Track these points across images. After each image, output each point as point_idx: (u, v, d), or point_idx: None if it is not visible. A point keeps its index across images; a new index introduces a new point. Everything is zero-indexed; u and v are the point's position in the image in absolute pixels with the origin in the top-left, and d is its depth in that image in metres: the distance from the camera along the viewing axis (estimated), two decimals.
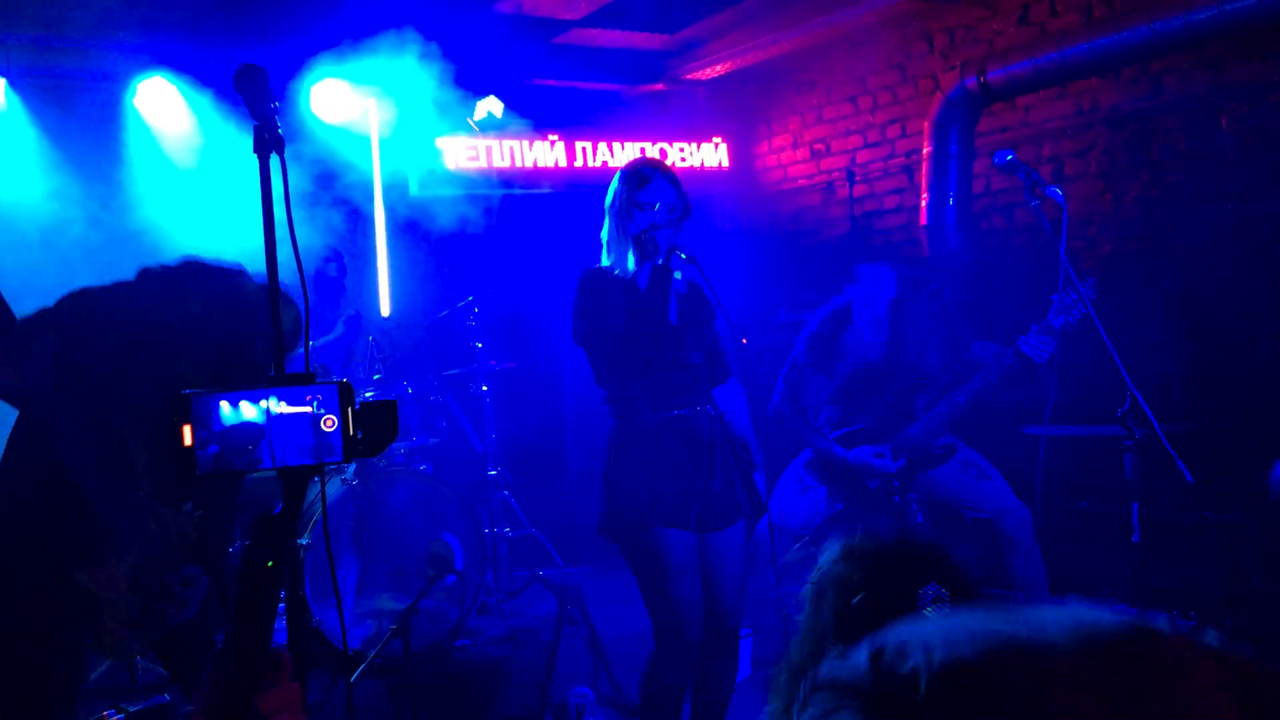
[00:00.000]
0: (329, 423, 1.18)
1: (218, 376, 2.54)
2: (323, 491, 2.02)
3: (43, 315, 2.62)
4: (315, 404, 1.17)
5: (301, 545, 4.20)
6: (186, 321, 2.59)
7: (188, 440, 1.13)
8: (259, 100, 1.76)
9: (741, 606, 3.46)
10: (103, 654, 2.63)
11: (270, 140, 1.74)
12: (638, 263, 3.32)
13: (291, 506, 1.18)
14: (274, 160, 1.82)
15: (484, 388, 5.32)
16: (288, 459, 1.17)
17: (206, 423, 1.13)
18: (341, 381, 1.19)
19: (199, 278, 2.69)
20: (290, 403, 1.17)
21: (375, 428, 1.21)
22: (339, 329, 5.32)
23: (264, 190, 1.83)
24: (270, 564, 1.13)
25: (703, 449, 3.28)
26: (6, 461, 2.66)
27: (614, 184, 3.40)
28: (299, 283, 2.00)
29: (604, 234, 3.40)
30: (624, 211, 3.33)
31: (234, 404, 1.14)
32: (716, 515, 3.29)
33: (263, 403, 1.15)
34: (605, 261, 3.38)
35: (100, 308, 2.66)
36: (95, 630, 2.55)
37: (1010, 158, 3.44)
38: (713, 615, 3.35)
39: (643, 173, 3.35)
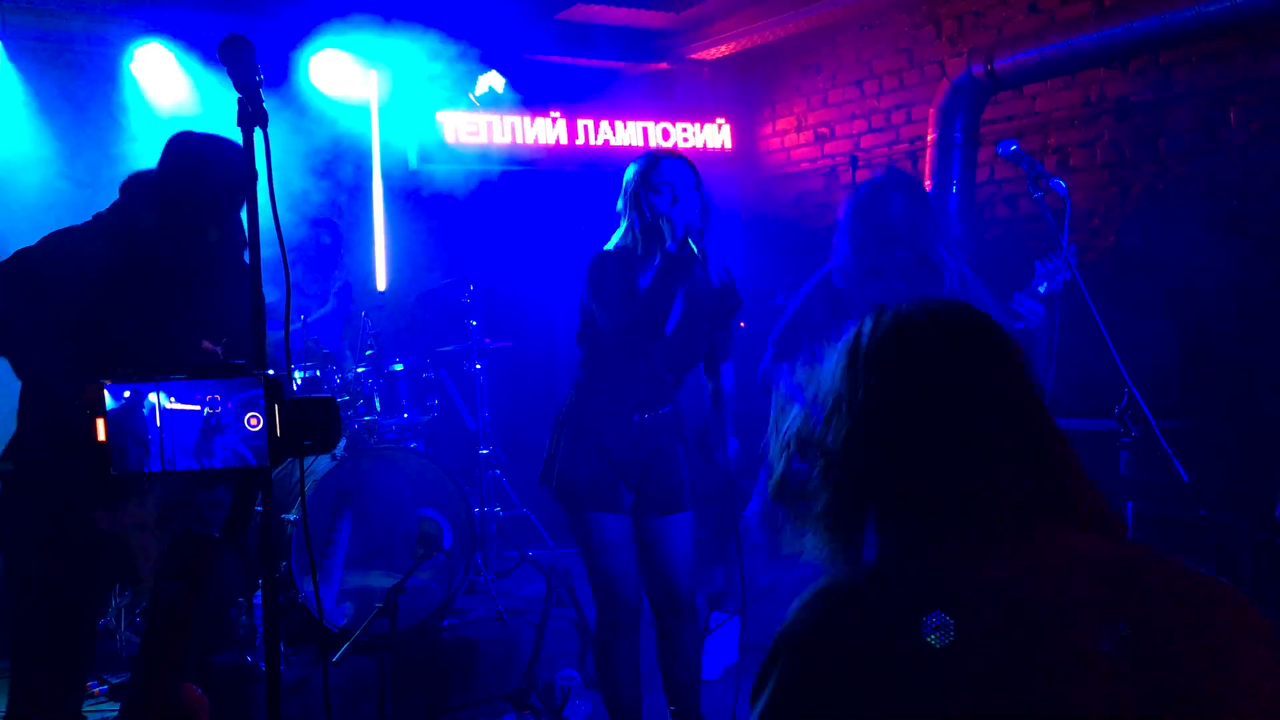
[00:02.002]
0: (253, 421, 1.07)
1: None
2: (300, 467, 1.99)
3: (17, 253, 2.70)
4: (213, 403, 1.05)
5: (288, 520, 4.17)
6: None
7: (101, 435, 1.04)
8: (244, 73, 1.73)
9: (694, 583, 3.57)
10: (141, 597, 2.67)
11: (254, 114, 1.71)
12: (646, 255, 3.28)
13: (197, 531, 1.07)
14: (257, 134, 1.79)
15: (478, 365, 5.28)
16: (178, 462, 1.05)
17: (124, 417, 1.03)
18: (267, 374, 1.07)
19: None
20: (185, 399, 1.05)
21: (308, 428, 1.08)
22: (330, 302, 5.28)
23: (248, 162, 1.80)
24: (183, 594, 1.04)
25: (646, 448, 3.37)
26: (21, 427, 2.69)
27: (629, 169, 3.38)
28: (280, 254, 1.98)
29: (621, 221, 3.38)
30: (637, 197, 3.30)
31: (140, 394, 1.04)
32: (654, 505, 3.41)
33: (162, 398, 1.04)
34: (616, 244, 3.37)
35: (75, 236, 2.74)
36: (129, 573, 2.58)
37: (1015, 148, 3.39)
38: (664, 594, 3.48)
39: (657, 155, 3.34)
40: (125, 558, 2.46)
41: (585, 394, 3.39)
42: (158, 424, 1.04)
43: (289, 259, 1.88)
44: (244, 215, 1.82)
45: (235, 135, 2.68)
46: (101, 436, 1.03)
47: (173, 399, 1.04)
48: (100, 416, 1.03)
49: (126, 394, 1.03)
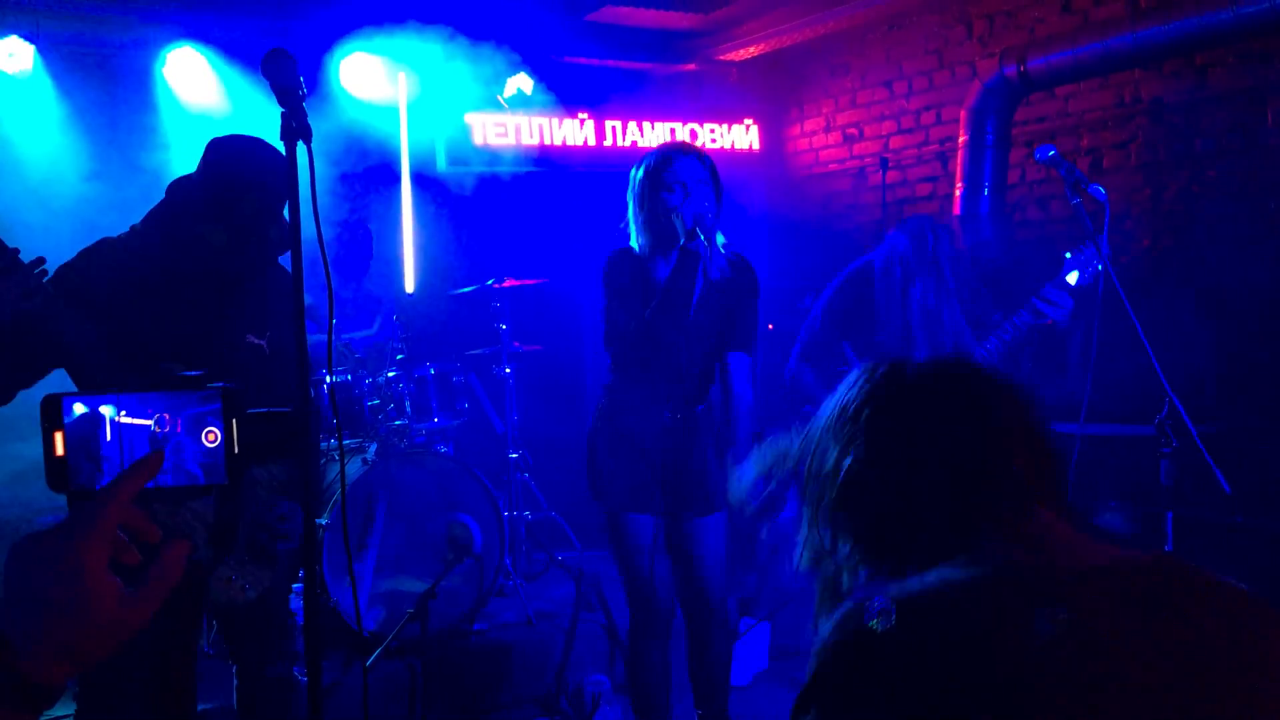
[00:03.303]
0: (211, 437, 1.02)
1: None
2: (342, 472, 1.99)
3: (59, 269, 2.70)
4: (161, 420, 1.00)
5: (321, 525, 4.18)
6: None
7: (59, 450, 1.00)
8: (287, 87, 1.72)
9: (725, 587, 3.52)
10: (217, 600, 2.65)
11: (298, 129, 1.71)
12: (658, 254, 3.27)
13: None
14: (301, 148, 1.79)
15: (507, 370, 5.28)
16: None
17: (79, 431, 0.99)
18: (225, 388, 1.02)
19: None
20: (137, 413, 1.00)
21: (264, 445, 1.04)
22: (375, 326, 5.27)
23: (291, 176, 1.80)
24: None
25: (679, 448, 3.32)
26: None
27: (636, 168, 3.32)
28: (322, 264, 1.98)
29: (628, 218, 3.35)
30: (646, 195, 3.25)
31: (92, 407, 1.00)
32: (686, 505, 3.35)
33: (113, 411, 1.00)
34: (633, 244, 3.34)
35: (109, 250, 2.74)
36: (199, 577, 2.57)
37: (1053, 153, 3.35)
38: (694, 596, 3.44)
39: (667, 153, 3.27)
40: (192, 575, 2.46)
41: (616, 395, 3.37)
42: (108, 438, 1.00)
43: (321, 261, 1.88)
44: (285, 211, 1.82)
45: (266, 137, 2.72)
46: (60, 451, 0.99)
47: (124, 412, 1.00)
48: (59, 430, 0.99)
49: (80, 407, 1.00)
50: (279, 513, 2.66)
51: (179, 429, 1.01)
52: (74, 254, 2.77)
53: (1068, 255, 3.78)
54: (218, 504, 1.03)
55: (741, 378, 3.36)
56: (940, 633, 1.04)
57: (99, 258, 2.69)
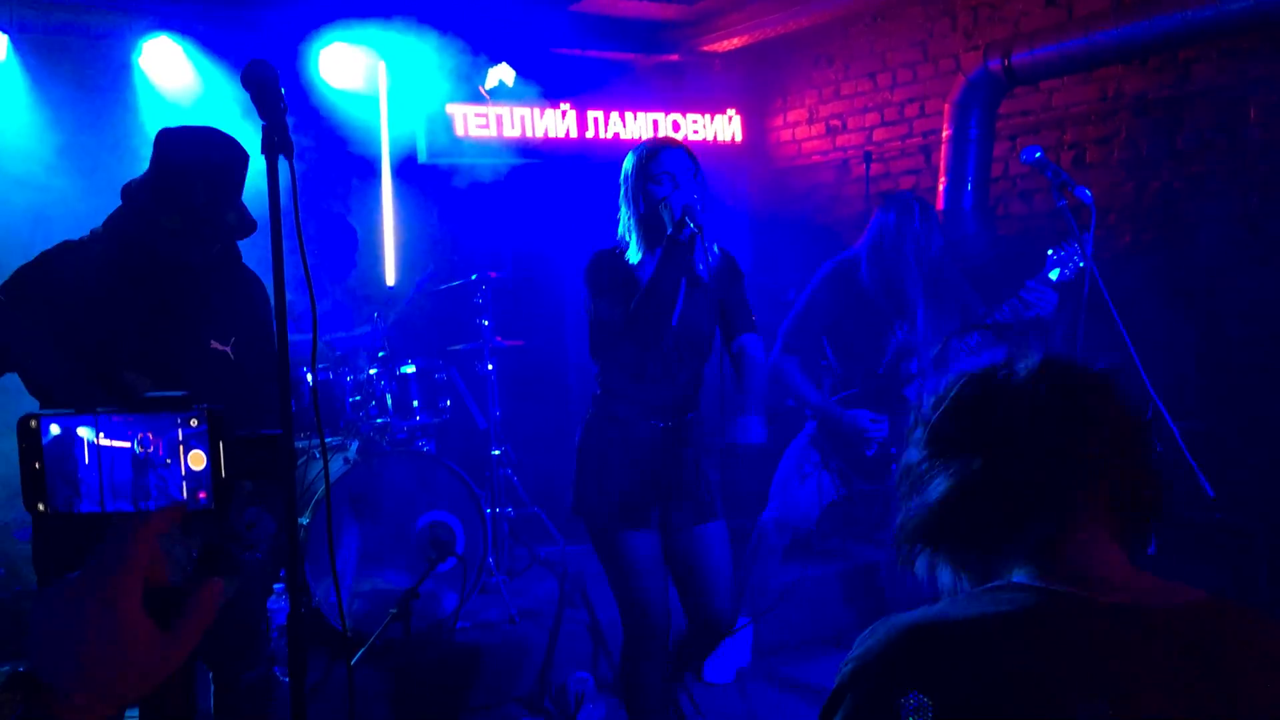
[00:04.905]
0: (196, 459, 0.99)
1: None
2: (325, 471, 1.95)
3: (17, 271, 2.65)
4: (144, 440, 0.97)
5: (302, 525, 4.14)
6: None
7: (36, 472, 0.97)
8: (269, 100, 1.68)
9: (735, 598, 3.47)
10: None
11: (279, 143, 1.67)
12: (646, 249, 3.24)
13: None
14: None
15: (489, 366, 5.24)
16: (109, 504, 0.98)
17: (55, 452, 0.96)
18: (210, 409, 0.99)
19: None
20: (117, 435, 0.97)
21: (251, 469, 1.00)
22: (364, 329, 5.20)
23: (271, 190, 1.76)
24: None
25: (673, 459, 3.25)
26: None
27: (626, 163, 3.31)
28: (305, 277, 1.94)
29: (620, 215, 3.32)
30: (634, 189, 3.24)
31: (70, 429, 0.97)
32: (687, 516, 3.28)
33: (91, 433, 0.96)
34: (624, 241, 3.30)
35: (67, 255, 2.69)
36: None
37: (1039, 155, 3.34)
38: (704, 605, 3.36)
39: (654, 146, 3.26)
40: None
41: (605, 405, 3.29)
42: (87, 461, 0.97)
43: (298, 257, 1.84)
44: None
45: (242, 129, 2.68)
46: (37, 473, 0.97)
47: (103, 434, 0.97)
48: (36, 452, 0.97)
49: (56, 428, 0.97)
50: (246, 519, 2.62)
51: (161, 451, 0.99)
52: (44, 246, 2.73)
53: (1050, 252, 3.79)
54: (204, 528, 1.00)
55: (758, 349, 3.40)
56: (968, 668, 1.03)
57: (57, 262, 2.64)
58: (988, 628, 1.07)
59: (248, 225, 2.76)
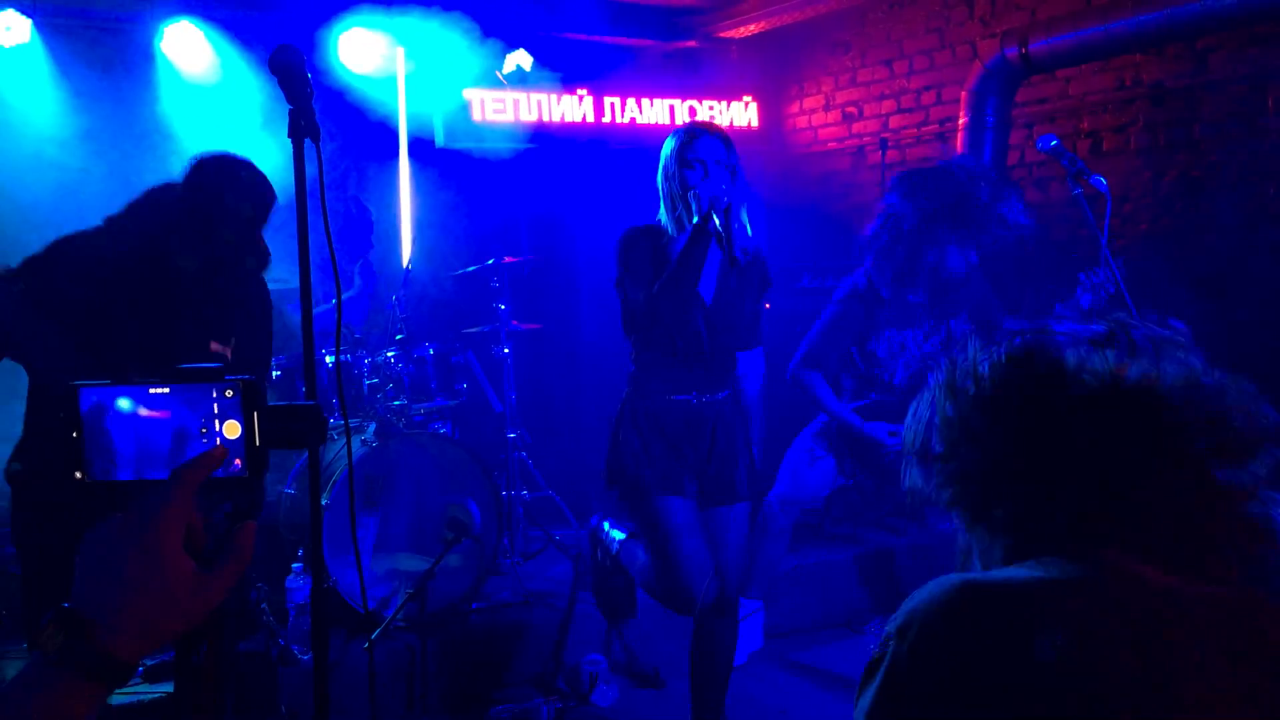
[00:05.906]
0: (231, 429, 1.02)
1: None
2: (349, 451, 1.99)
3: (26, 260, 2.68)
4: (182, 411, 1.01)
5: (322, 505, 4.19)
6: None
7: (76, 441, 1.00)
8: (296, 85, 1.72)
9: (743, 579, 3.55)
10: None
11: (306, 127, 1.70)
12: (677, 230, 3.28)
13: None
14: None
15: (505, 349, 5.28)
16: (148, 472, 1.01)
17: (93, 422, 0.99)
18: (245, 380, 1.02)
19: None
20: (155, 405, 1.00)
21: (289, 437, 1.04)
22: (356, 282, 5.26)
23: (297, 175, 1.80)
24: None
25: (705, 435, 3.34)
26: (30, 429, 2.70)
27: (667, 143, 3.36)
28: (331, 263, 1.98)
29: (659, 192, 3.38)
30: (672, 171, 3.30)
31: (109, 399, 1.00)
32: (712, 494, 3.37)
33: (129, 404, 1.00)
34: (660, 220, 3.36)
35: (78, 247, 2.71)
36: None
37: (1055, 143, 3.35)
38: (713, 584, 3.40)
39: (692, 129, 3.32)
40: None
41: (640, 382, 3.36)
42: (124, 431, 1.00)
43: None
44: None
45: (267, 108, 2.70)
46: (76, 442, 1.00)
47: (141, 406, 1.00)
48: (75, 421, 1.00)
49: (95, 398, 1.00)
50: (225, 510, 2.64)
51: (197, 421, 1.02)
52: (67, 227, 2.74)
53: (1081, 276, 3.74)
54: (237, 496, 1.04)
55: (752, 366, 3.50)
56: (1001, 623, 1.04)
57: (68, 255, 2.66)
58: (1042, 587, 1.08)
59: (263, 265, 2.80)
